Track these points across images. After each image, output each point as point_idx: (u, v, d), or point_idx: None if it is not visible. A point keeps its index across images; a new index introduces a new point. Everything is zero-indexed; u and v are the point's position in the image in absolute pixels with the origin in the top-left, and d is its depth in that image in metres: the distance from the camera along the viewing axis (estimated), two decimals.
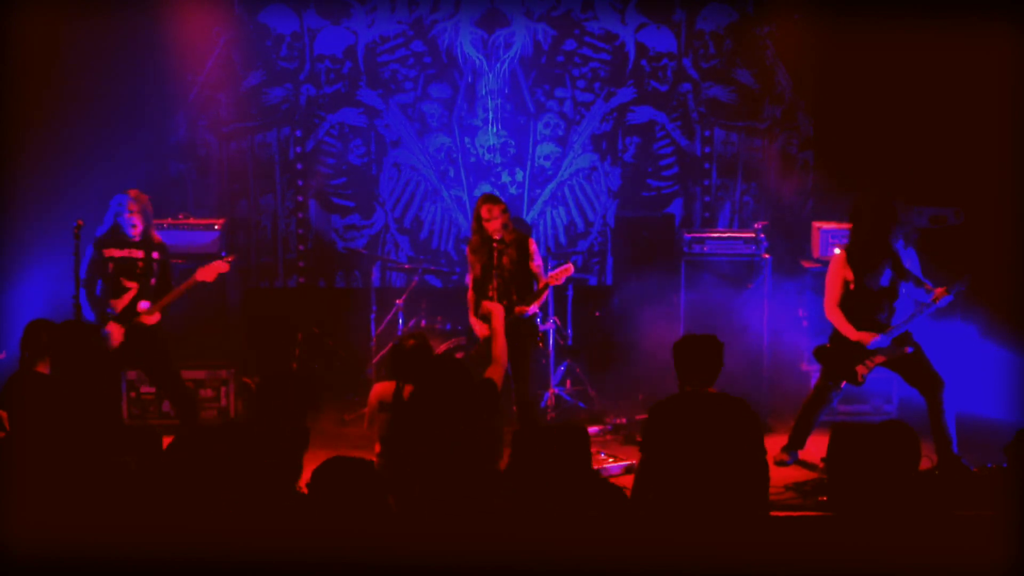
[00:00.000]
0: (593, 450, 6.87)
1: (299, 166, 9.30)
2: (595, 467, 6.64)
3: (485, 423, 4.72)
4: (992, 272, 7.60)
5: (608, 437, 7.60)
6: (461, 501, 4.11)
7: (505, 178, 9.33)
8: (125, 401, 7.70)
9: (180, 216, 8.22)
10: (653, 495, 4.64)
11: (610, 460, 6.79)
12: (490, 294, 6.88)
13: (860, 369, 6.60)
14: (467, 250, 7.25)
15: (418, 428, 4.63)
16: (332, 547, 3.49)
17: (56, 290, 7.55)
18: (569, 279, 7.77)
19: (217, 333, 7.96)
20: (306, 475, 3.87)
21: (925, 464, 5.06)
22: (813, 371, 7.39)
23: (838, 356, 6.66)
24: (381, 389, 5.57)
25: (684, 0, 9.19)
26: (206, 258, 7.32)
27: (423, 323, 8.39)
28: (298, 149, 9.28)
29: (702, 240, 8.16)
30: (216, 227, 8.07)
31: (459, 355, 7.78)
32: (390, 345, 7.75)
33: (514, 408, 6.97)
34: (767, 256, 7.87)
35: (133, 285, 6.77)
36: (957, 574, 3.68)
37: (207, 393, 7.85)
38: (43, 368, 5.55)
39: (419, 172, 9.33)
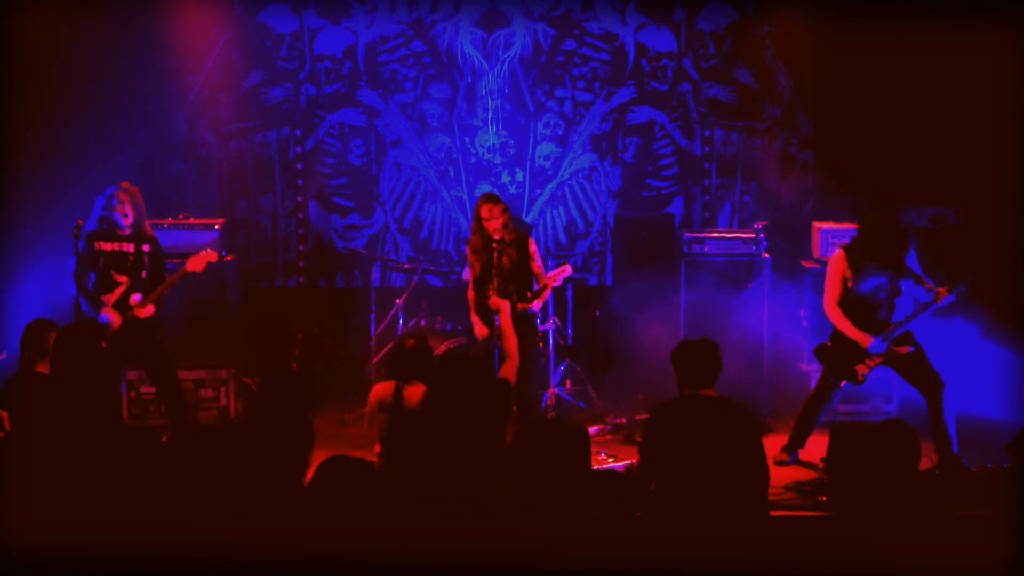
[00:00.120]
0: (593, 450, 6.87)
1: (299, 166, 9.30)
2: (595, 467, 6.64)
3: (498, 422, 4.71)
4: (992, 272, 7.60)
5: (608, 437, 7.60)
6: (471, 500, 4.11)
7: (505, 178, 9.33)
8: (125, 401, 7.70)
9: (180, 216, 8.22)
10: (653, 496, 4.64)
11: (610, 460, 6.79)
12: (490, 294, 6.88)
13: (860, 368, 6.59)
14: (467, 250, 7.25)
15: (433, 428, 4.62)
16: (332, 547, 3.49)
17: (56, 290, 7.55)
18: (567, 280, 7.77)
19: (217, 333, 7.95)
20: (308, 475, 3.88)
21: (925, 464, 5.06)
22: (813, 371, 7.39)
23: (838, 355, 6.66)
24: (381, 389, 5.57)
25: (684, 0, 9.19)
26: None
27: (423, 323, 8.39)
28: (298, 149, 9.28)
29: (702, 240, 8.16)
30: (216, 227, 8.07)
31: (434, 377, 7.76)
32: (390, 345, 7.75)
33: (514, 408, 6.97)
34: (767, 256, 7.87)
35: (124, 279, 6.74)
36: (957, 574, 3.68)
37: (207, 393, 7.84)
38: (43, 368, 5.54)
39: (419, 172, 9.33)
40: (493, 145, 9.31)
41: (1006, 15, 7.91)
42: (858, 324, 6.57)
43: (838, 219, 8.04)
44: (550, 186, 9.37)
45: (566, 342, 8.45)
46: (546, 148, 9.33)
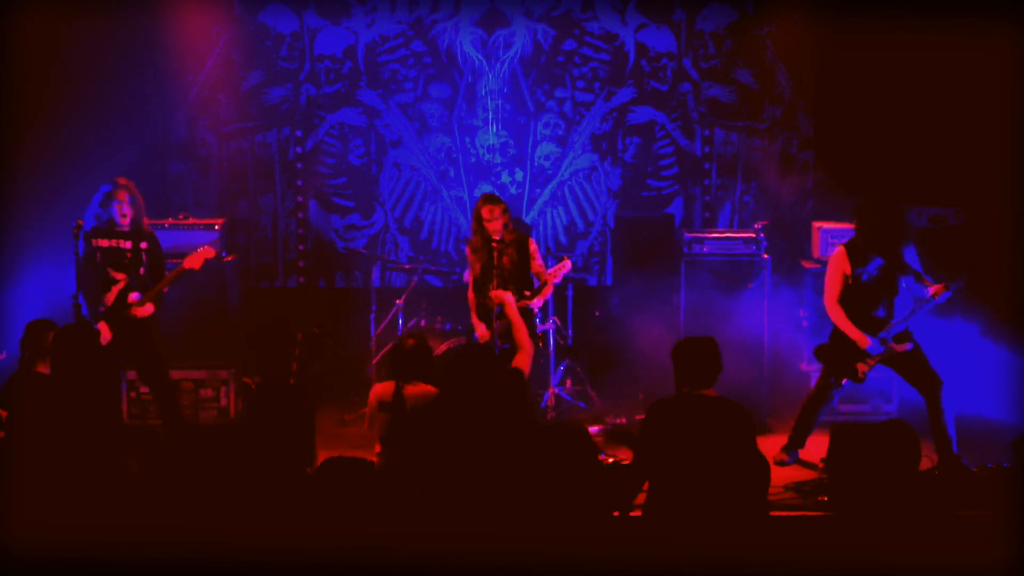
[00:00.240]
0: None
1: (299, 166, 9.30)
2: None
3: (517, 414, 4.69)
4: (992, 272, 7.59)
5: None
6: (491, 491, 4.10)
7: (505, 178, 9.33)
8: (125, 401, 7.70)
9: (180, 216, 8.22)
10: (647, 494, 4.64)
11: (610, 460, 6.78)
12: (490, 294, 6.88)
13: (861, 367, 6.59)
14: (467, 250, 7.25)
15: (449, 422, 4.62)
16: (332, 547, 3.49)
17: (56, 290, 7.55)
18: (568, 279, 7.77)
19: (217, 333, 7.95)
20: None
21: (925, 464, 5.06)
22: (813, 371, 7.39)
23: (838, 354, 6.66)
24: (381, 389, 5.58)
25: (684, 0, 9.19)
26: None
27: (423, 323, 8.39)
28: (298, 149, 9.28)
29: (702, 240, 8.16)
30: (216, 227, 8.06)
31: (447, 367, 7.77)
32: (390, 345, 7.75)
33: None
34: (767, 256, 7.87)
35: (122, 276, 6.72)
36: (957, 574, 3.68)
37: (207, 393, 7.84)
38: (43, 368, 5.54)
39: (419, 172, 9.33)
40: (493, 145, 9.31)
41: (1006, 15, 7.90)
42: (857, 322, 6.57)
43: (838, 219, 8.04)
44: (550, 186, 9.37)
45: (566, 342, 8.45)
46: (546, 148, 9.33)
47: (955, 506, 4.74)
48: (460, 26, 9.15)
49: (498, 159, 9.32)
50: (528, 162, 9.33)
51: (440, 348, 7.76)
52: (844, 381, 6.73)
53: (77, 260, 6.72)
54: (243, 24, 9.09)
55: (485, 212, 6.95)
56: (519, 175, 9.35)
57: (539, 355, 7.80)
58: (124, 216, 6.70)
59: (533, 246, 7.18)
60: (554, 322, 8.12)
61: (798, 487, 6.28)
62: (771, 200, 9.34)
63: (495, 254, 6.90)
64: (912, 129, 8.47)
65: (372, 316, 8.38)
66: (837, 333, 6.66)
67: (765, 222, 8.25)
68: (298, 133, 9.26)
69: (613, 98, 9.27)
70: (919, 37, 8.08)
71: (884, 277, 6.57)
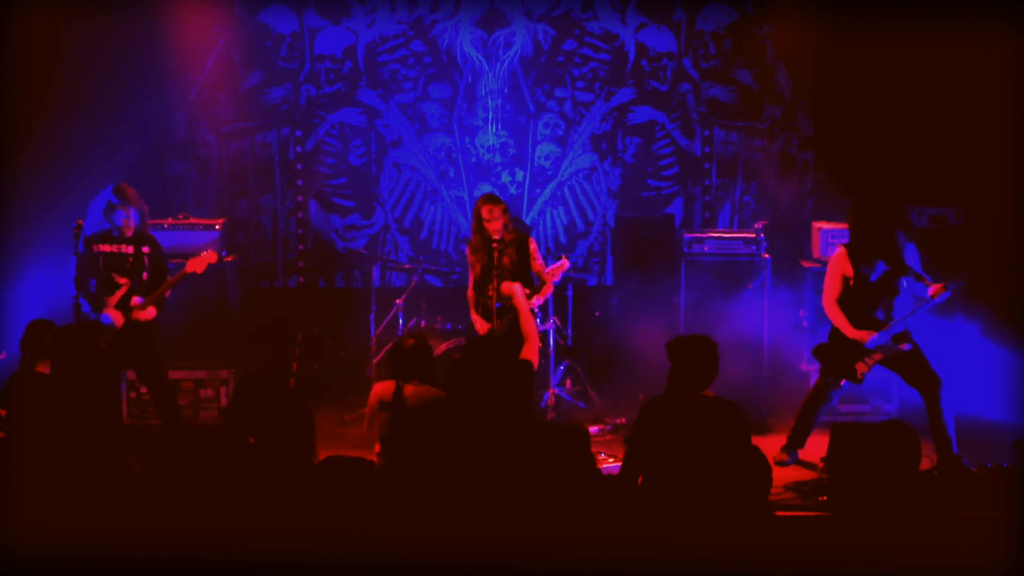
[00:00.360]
0: (593, 450, 6.86)
1: (299, 166, 9.30)
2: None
3: (521, 407, 4.69)
4: (992, 272, 7.60)
5: (608, 437, 7.60)
6: (496, 484, 4.10)
7: (505, 178, 9.33)
8: (125, 401, 7.70)
9: (180, 216, 8.22)
10: (640, 492, 4.65)
11: (610, 460, 6.79)
12: (490, 294, 6.88)
13: (859, 367, 6.59)
14: (467, 250, 7.26)
15: (460, 411, 4.62)
16: (332, 547, 3.49)
17: (56, 290, 7.54)
18: (568, 279, 7.77)
19: (217, 333, 7.95)
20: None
21: (925, 464, 5.06)
22: (813, 371, 7.39)
23: (837, 354, 6.66)
24: (381, 389, 5.57)
25: (684, 0, 9.19)
26: None
27: (423, 323, 8.39)
28: (298, 149, 9.28)
29: (702, 240, 8.16)
30: (216, 227, 8.07)
31: (459, 355, 7.78)
32: (390, 345, 7.75)
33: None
34: (767, 256, 7.87)
35: (124, 281, 6.74)
36: (957, 574, 3.68)
37: (207, 393, 7.84)
38: (43, 368, 5.54)
39: (419, 172, 9.33)
40: (493, 145, 9.31)
41: (1006, 15, 7.91)
42: (856, 323, 6.57)
43: (838, 219, 8.04)
44: (550, 186, 9.37)
45: (566, 342, 8.45)
46: (546, 148, 9.33)
47: (955, 506, 4.73)
48: (460, 26, 9.15)
49: (498, 159, 9.32)
50: (528, 162, 9.33)
51: (440, 348, 7.76)
52: (842, 382, 6.74)
53: (76, 264, 6.72)
54: (243, 24, 9.10)
55: (485, 212, 6.95)
56: (519, 175, 9.35)
57: (539, 355, 7.81)
58: (128, 228, 6.75)
59: (533, 246, 7.18)
60: (554, 322, 8.13)
61: (798, 487, 6.28)
62: (771, 200, 9.34)
63: (495, 254, 6.90)
64: (912, 129, 8.47)
65: (372, 316, 8.38)
66: (836, 333, 6.66)
67: (765, 222, 8.25)
68: (298, 133, 9.26)
69: (613, 98, 9.27)
70: (919, 37, 8.09)
71: (883, 277, 6.57)
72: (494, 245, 6.90)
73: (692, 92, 9.30)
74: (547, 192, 9.37)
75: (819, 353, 6.77)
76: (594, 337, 8.99)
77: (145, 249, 6.82)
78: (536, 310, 7.18)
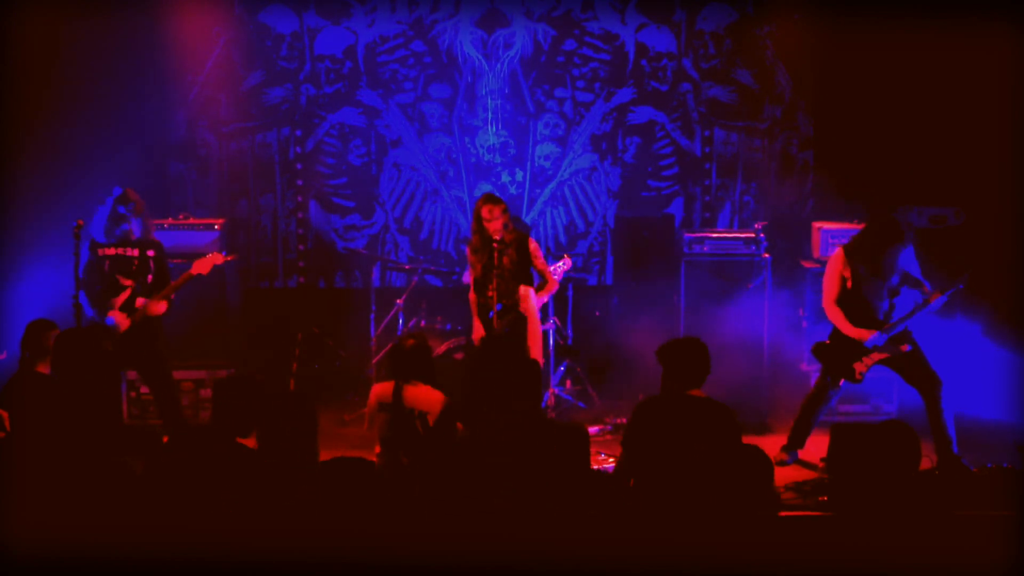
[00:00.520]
0: (593, 450, 6.87)
1: (299, 166, 9.30)
2: (595, 467, 6.64)
3: (530, 404, 4.68)
4: (992, 272, 7.60)
5: (608, 437, 7.60)
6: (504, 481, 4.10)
7: (505, 178, 9.33)
8: (125, 401, 7.71)
9: (180, 216, 8.22)
10: (633, 492, 4.66)
11: (610, 460, 6.79)
12: (490, 294, 6.88)
13: (858, 367, 6.60)
14: (467, 250, 7.26)
15: (471, 408, 4.62)
16: (332, 547, 3.49)
17: (56, 290, 7.54)
18: (567, 277, 7.76)
19: (217, 333, 7.96)
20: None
21: (925, 464, 5.06)
22: (813, 371, 7.40)
23: (837, 354, 6.66)
24: (381, 389, 5.57)
25: (684, 0, 9.19)
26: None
27: (423, 323, 8.39)
28: (298, 149, 9.28)
29: (702, 240, 8.16)
30: (216, 227, 8.07)
31: (459, 356, 7.79)
32: (390, 345, 7.75)
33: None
34: (767, 256, 7.87)
35: (129, 283, 6.76)
36: (957, 574, 3.68)
37: (207, 393, 7.84)
38: (43, 368, 5.54)
39: (419, 172, 9.33)
40: (493, 145, 9.30)
41: (1006, 15, 7.91)
42: (856, 323, 6.57)
43: (838, 219, 8.04)
44: (550, 186, 9.37)
45: (566, 342, 8.45)
46: (546, 148, 9.33)
47: (955, 506, 4.73)
48: (460, 26, 9.15)
49: (498, 159, 9.32)
50: (528, 162, 9.33)
51: (440, 348, 7.76)
52: (842, 382, 6.74)
53: (77, 260, 6.72)
54: (243, 24, 9.09)
55: (485, 212, 6.95)
56: (519, 175, 9.35)
57: (540, 356, 7.81)
58: (132, 236, 6.77)
59: (533, 245, 7.18)
60: (554, 322, 8.13)
61: (798, 487, 6.28)
62: (771, 200, 9.34)
63: (495, 254, 6.90)
64: (912, 129, 8.47)
65: (372, 316, 8.38)
66: (836, 333, 6.67)
67: (765, 222, 8.26)
68: (298, 133, 9.26)
69: (613, 98, 9.27)
70: (919, 37, 8.09)
71: (882, 279, 6.57)
72: (494, 245, 6.90)
73: (692, 92, 9.30)
74: (547, 192, 9.37)
75: (819, 353, 6.77)
76: (594, 337, 8.99)
77: (150, 252, 6.86)
78: (543, 302, 7.19)
